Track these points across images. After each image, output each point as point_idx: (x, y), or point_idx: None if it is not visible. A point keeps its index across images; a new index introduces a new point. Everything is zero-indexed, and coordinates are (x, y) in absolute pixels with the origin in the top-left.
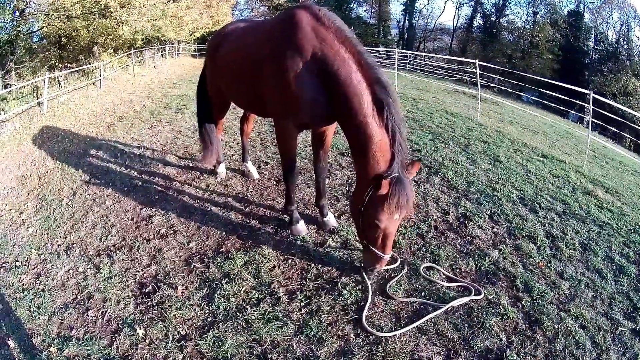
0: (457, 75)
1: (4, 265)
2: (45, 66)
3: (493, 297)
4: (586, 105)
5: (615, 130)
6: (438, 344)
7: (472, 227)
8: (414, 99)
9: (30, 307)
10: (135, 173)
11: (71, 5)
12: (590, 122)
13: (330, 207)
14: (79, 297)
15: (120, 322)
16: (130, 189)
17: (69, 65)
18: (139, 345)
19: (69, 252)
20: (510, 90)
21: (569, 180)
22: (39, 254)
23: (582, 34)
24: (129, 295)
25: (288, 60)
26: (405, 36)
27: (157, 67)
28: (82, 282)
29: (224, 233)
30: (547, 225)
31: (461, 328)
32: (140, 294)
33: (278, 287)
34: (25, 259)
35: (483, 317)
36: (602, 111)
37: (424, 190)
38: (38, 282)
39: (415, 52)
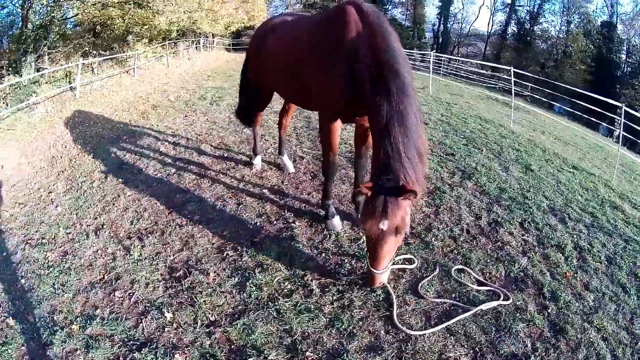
0: (491, 82)
1: (29, 241)
2: (79, 52)
3: (521, 303)
4: (617, 118)
5: None
6: (466, 346)
7: (503, 233)
8: (448, 103)
9: (54, 284)
10: (169, 160)
11: None
12: (620, 135)
13: None
14: (106, 277)
15: (148, 305)
16: (163, 175)
17: (102, 52)
18: (166, 329)
19: (98, 233)
20: (543, 99)
21: (598, 193)
22: (66, 233)
23: (614, 46)
24: (158, 279)
25: (333, 53)
26: (440, 40)
27: (191, 60)
28: (111, 262)
29: (258, 223)
30: (575, 236)
31: (489, 331)
32: (170, 278)
33: (311, 280)
34: (53, 237)
35: (510, 322)
36: (633, 125)
37: (457, 193)
38: (64, 260)
39: (450, 56)
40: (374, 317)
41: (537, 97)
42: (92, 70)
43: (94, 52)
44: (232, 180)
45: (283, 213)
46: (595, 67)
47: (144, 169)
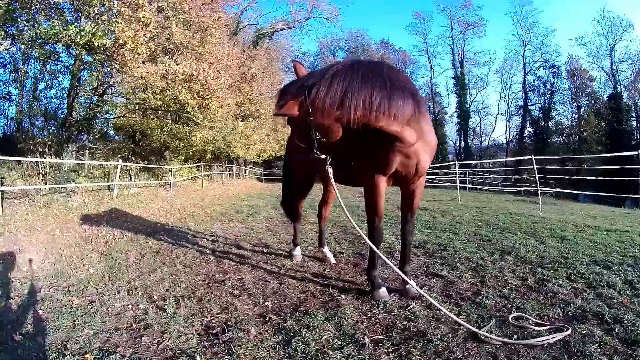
0: (516, 185)
1: (55, 287)
2: (119, 155)
3: (586, 332)
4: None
5: None
6: None
7: (551, 286)
8: (478, 207)
9: (75, 321)
10: (208, 251)
11: (152, 95)
12: None
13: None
14: (134, 325)
15: (178, 352)
16: (202, 260)
17: (140, 162)
18: None
19: (130, 292)
20: (567, 191)
21: (634, 242)
22: (96, 288)
23: (624, 116)
24: (192, 333)
25: None
26: (462, 156)
27: (224, 185)
28: (141, 315)
29: (302, 297)
30: (622, 275)
31: (561, 358)
32: (205, 334)
33: (362, 336)
34: (81, 288)
35: (580, 347)
36: None
37: (500, 266)
38: (90, 306)
39: (475, 162)
40: None
41: (561, 190)
42: (130, 176)
43: (133, 158)
44: (273, 267)
45: (327, 290)
46: (610, 144)
47: (181, 255)
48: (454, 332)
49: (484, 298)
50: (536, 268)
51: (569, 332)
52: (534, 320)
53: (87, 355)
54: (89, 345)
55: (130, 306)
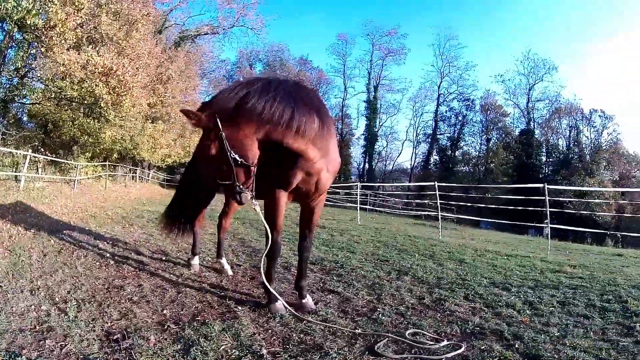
0: (418, 209)
1: None
2: (29, 145)
3: (485, 347)
4: (544, 225)
5: (574, 228)
6: None
7: (448, 305)
8: (377, 228)
9: None
10: (108, 255)
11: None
12: (548, 212)
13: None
14: (37, 327)
15: (81, 357)
16: (102, 264)
17: (49, 154)
18: None
19: (33, 292)
20: (470, 218)
21: (535, 266)
22: (0, 285)
23: (534, 150)
24: (94, 338)
25: None
26: (365, 179)
27: (127, 187)
28: (44, 317)
29: (200, 306)
30: (522, 296)
31: None
32: (107, 340)
33: (260, 348)
34: None
35: None
36: (559, 226)
37: (396, 285)
38: None
39: (378, 184)
40: None
41: (463, 217)
42: (37, 169)
43: (42, 149)
44: (171, 275)
45: (224, 301)
46: (517, 176)
47: (82, 257)
48: (350, 346)
49: (380, 315)
50: (433, 288)
51: (463, 349)
52: (431, 336)
53: None
54: None
55: (33, 307)
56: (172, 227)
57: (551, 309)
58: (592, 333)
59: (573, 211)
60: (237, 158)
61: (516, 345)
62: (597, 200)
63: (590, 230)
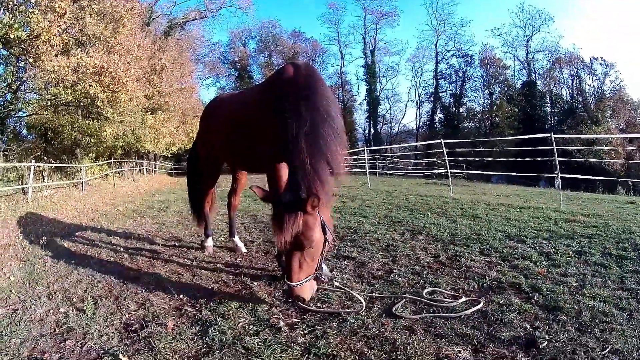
0: (427, 169)
1: None
2: (31, 156)
3: (503, 301)
4: (555, 174)
5: (585, 177)
6: (461, 343)
7: (464, 261)
8: (388, 191)
9: (2, 331)
10: (121, 249)
11: (64, 89)
12: (556, 162)
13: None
14: (57, 330)
15: (102, 352)
16: (116, 259)
17: (52, 161)
18: None
19: (51, 296)
20: (479, 172)
21: (549, 217)
22: (18, 296)
23: (537, 102)
24: (113, 332)
25: (272, 102)
26: (372, 143)
27: (135, 181)
28: (63, 319)
29: (215, 287)
30: (537, 247)
31: (480, 327)
32: (126, 331)
33: (277, 321)
34: (4, 297)
35: (499, 315)
36: (569, 175)
37: (411, 245)
38: (14, 314)
39: (385, 147)
40: (352, 340)
41: (473, 172)
42: (43, 178)
43: (45, 158)
44: (185, 260)
45: (240, 278)
46: (523, 128)
47: (96, 255)
48: (368, 310)
49: (397, 276)
50: (448, 245)
51: (481, 304)
52: (449, 293)
53: None
54: (17, 355)
55: (52, 311)
56: (193, 214)
57: (568, 259)
58: (610, 282)
59: (582, 159)
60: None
61: (535, 298)
62: (605, 148)
63: (601, 178)
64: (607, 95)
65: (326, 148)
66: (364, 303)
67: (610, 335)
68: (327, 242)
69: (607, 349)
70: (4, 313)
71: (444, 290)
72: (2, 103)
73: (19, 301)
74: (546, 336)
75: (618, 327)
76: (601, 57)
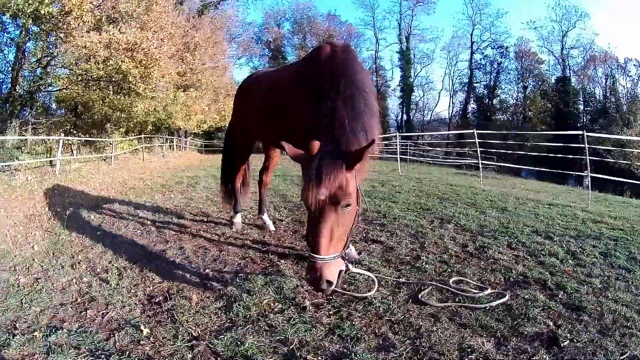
0: (458, 159)
1: (2, 267)
2: (60, 130)
3: (528, 296)
4: (584, 173)
5: (615, 179)
6: (485, 335)
7: (492, 253)
8: (418, 178)
9: (22, 300)
10: (149, 222)
11: (95, 65)
12: (588, 161)
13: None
14: (79, 299)
15: (123, 322)
16: (143, 231)
17: (82, 135)
18: (141, 342)
19: (74, 266)
20: (510, 165)
21: (577, 216)
22: (41, 265)
23: (570, 99)
24: (135, 303)
25: (308, 80)
26: (404, 129)
27: (165, 157)
28: (86, 289)
29: (242, 263)
30: (564, 245)
31: (504, 321)
32: (149, 303)
33: (303, 300)
34: (27, 266)
35: (524, 310)
36: (599, 175)
37: (439, 233)
38: (36, 283)
39: (417, 134)
40: (377, 323)
41: (504, 164)
42: (72, 152)
43: (75, 132)
44: (213, 235)
45: (267, 256)
46: (555, 124)
47: (123, 227)
48: (394, 294)
49: (424, 263)
50: (476, 236)
51: (507, 298)
52: (475, 284)
53: (36, 333)
54: (36, 323)
55: (74, 280)
56: (222, 189)
57: (593, 259)
58: (633, 287)
59: (612, 161)
60: None
61: (559, 296)
62: (635, 151)
63: (630, 181)
64: None
65: (363, 121)
66: (376, 282)
67: (630, 341)
68: (357, 217)
69: (626, 354)
70: (26, 282)
71: (470, 281)
72: (31, 78)
73: (41, 270)
74: (568, 335)
75: (638, 332)
76: (635, 59)
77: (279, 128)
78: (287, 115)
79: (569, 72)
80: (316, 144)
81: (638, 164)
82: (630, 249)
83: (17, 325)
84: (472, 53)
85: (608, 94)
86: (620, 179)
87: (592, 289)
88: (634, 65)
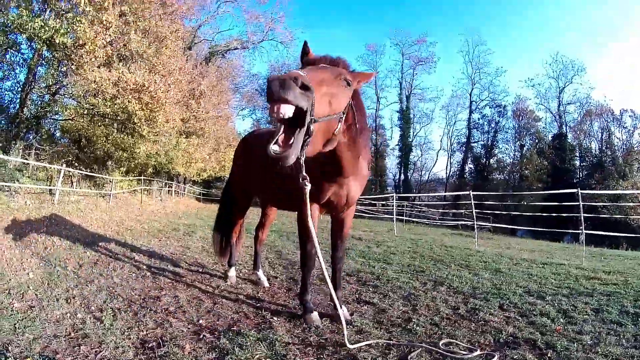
0: (454, 220)
1: None
2: (62, 160)
3: (517, 356)
4: (579, 230)
5: (610, 234)
6: None
7: (483, 315)
8: (413, 239)
9: (15, 324)
10: (144, 267)
11: (102, 101)
12: (582, 217)
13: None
14: (72, 334)
15: None
16: (139, 275)
17: (82, 169)
18: None
19: (69, 300)
20: (504, 226)
21: (570, 274)
22: (35, 294)
23: (567, 155)
24: (129, 345)
25: None
26: (401, 189)
27: (163, 201)
28: (80, 325)
29: (235, 317)
30: (556, 305)
31: None
32: (142, 347)
33: (294, 357)
34: (21, 292)
35: None
36: (594, 232)
37: (432, 295)
38: (30, 311)
39: (414, 195)
40: None
41: (499, 225)
42: (72, 183)
43: (76, 164)
44: (207, 287)
45: (260, 312)
46: (552, 182)
47: (118, 268)
48: (384, 356)
49: (415, 325)
50: (469, 298)
51: (495, 358)
52: (464, 345)
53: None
54: (29, 349)
55: (69, 315)
56: (217, 242)
57: (585, 316)
58: (624, 340)
59: (607, 215)
60: None
61: (549, 355)
62: (631, 204)
63: (624, 235)
64: (636, 148)
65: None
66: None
67: None
68: (340, 121)
69: None
70: (19, 307)
71: (459, 343)
72: (39, 103)
73: (36, 298)
74: None
75: None
76: (630, 109)
77: (275, 189)
78: (283, 179)
79: (566, 129)
80: (315, 210)
81: (634, 216)
82: (622, 302)
83: (10, 348)
84: (470, 112)
85: (604, 148)
86: (615, 234)
87: (582, 345)
88: (629, 116)
